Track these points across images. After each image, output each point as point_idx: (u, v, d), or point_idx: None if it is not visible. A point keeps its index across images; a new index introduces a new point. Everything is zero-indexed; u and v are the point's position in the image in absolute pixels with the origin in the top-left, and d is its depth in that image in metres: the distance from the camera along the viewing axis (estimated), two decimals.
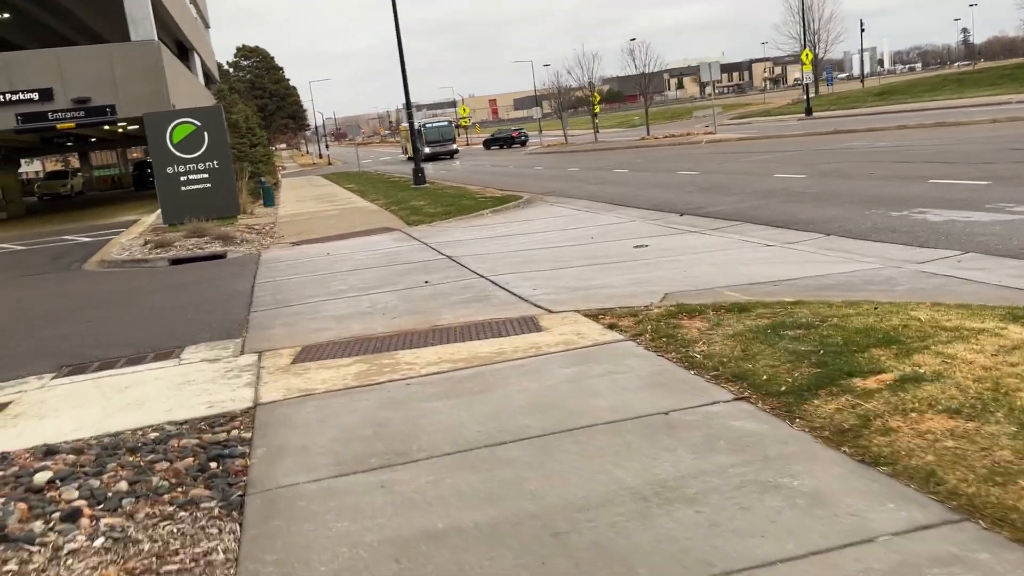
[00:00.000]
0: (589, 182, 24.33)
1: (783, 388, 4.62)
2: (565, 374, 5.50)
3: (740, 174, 20.80)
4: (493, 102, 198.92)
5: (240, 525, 3.78)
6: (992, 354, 4.63)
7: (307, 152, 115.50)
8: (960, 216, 10.78)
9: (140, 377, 6.78)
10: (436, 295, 9.06)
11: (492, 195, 22.09)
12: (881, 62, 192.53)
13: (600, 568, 3.06)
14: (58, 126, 24.85)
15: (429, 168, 35.51)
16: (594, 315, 7.09)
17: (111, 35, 29.28)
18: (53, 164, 75.07)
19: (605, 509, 3.50)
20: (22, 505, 4.21)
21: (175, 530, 3.82)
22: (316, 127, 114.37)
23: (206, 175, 19.44)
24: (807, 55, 55.80)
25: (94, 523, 3.98)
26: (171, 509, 4.05)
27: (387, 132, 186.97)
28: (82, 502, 4.22)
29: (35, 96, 23.60)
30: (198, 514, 3.97)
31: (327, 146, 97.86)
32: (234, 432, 5.13)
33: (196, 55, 39.05)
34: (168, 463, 4.69)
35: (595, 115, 58.57)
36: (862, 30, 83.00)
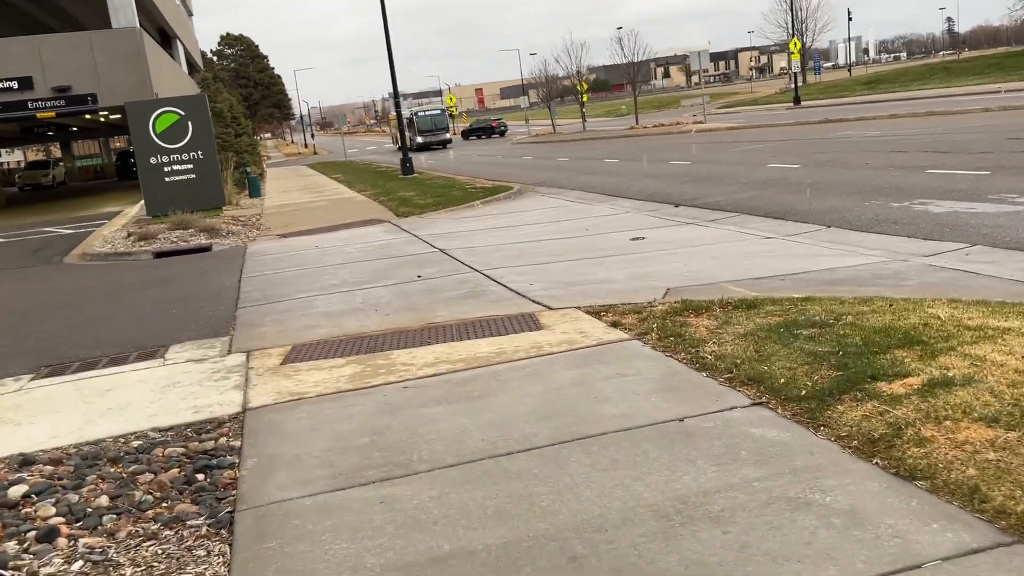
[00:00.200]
0: (580, 172, 24.06)
1: (803, 392, 4.38)
2: (570, 377, 5.24)
3: (733, 164, 20.58)
4: (479, 91, 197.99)
5: (230, 546, 3.51)
6: (1023, 356, 4.41)
7: (292, 142, 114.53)
8: (963, 207, 10.58)
9: (123, 379, 6.48)
10: (430, 290, 8.78)
11: (482, 186, 21.80)
12: (866, 51, 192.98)
13: None
14: (38, 115, 24.29)
15: (416, 158, 35.12)
16: (596, 312, 6.83)
17: (92, 22, 28.70)
18: (35, 154, 74.06)
19: (625, 529, 3.25)
20: None
21: (159, 552, 3.55)
22: (301, 116, 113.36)
23: (190, 165, 19.05)
24: (795, 44, 55.64)
25: (72, 543, 3.70)
26: (155, 527, 3.78)
27: (373, 121, 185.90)
28: (59, 519, 3.94)
29: (14, 85, 23.04)
30: (184, 533, 3.69)
31: (312, 135, 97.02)
32: (222, 440, 4.85)
33: (179, 43, 38.42)
34: (152, 475, 4.41)
35: (583, 104, 58.20)
36: (849, 19, 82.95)
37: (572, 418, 4.51)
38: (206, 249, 14.90)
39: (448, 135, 59.06)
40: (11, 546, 3.71)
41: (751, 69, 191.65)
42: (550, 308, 7.26)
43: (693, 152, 26.15)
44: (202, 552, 3.51)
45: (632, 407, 4.58)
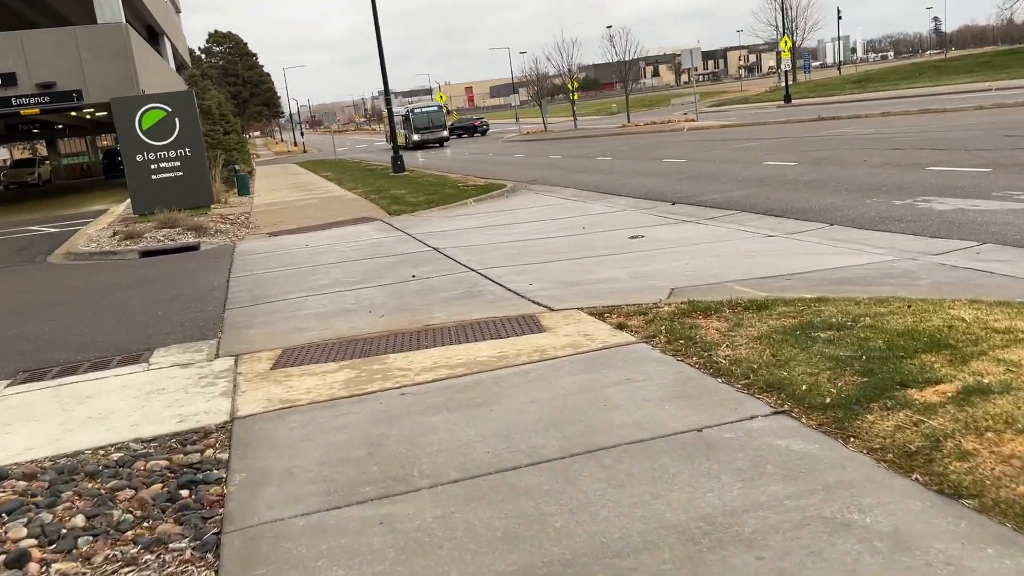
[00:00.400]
0: (573, 170, 23.80)
1: (828, 400, 4.12)
2: (577, 382, 4.97)
3: (728, 162, 20.36)
4: (469, 89, 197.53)
5: (216, 573, 3.23)
6: None
7: (282, 140, 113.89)
8: (968, 205, 10.37)
9: (104, 385, 6.17)
10: (425, 290, 8.50)
11: (474, 183, 21.51)
12: (854, 50, 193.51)
13: None
14: (22, 112, 23.86)
15: (410, 156, 34.78)
16: (600, 313, 6.57)
17: (77, 17, 28.20)
18: (20, 152, 73.21)
19: (648, 554, 2.98)
20: None
21: None
22: (291, 114, 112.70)
23: (178, 163, 18.66)
24: (786, 42, 55.51)
25: (44, 569, 3.41)
26: (135, 551, 3.48)
27: (363, 120, 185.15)
28: (31, 542, 3.64)
29: None
30: (166, 557, 3.40)
31: (302, 134, 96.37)
32: (209, 452, 4.55)
33: (167, 40, 37.95)
34: (132, 491, 4.12)
35: (573, 102, 57.91)
36: (839, 17, 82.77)
37: (581, 428, 4.24)
38: (194, 248, 14.57)
39: (445, 133, 57.45)
40: None
41: (740, 68, 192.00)
42: (551, 309, 6.99)
43: (686, 150, 25.92)
44: None
45: (645, 416, 4.31)
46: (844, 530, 2.99)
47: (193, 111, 19.08)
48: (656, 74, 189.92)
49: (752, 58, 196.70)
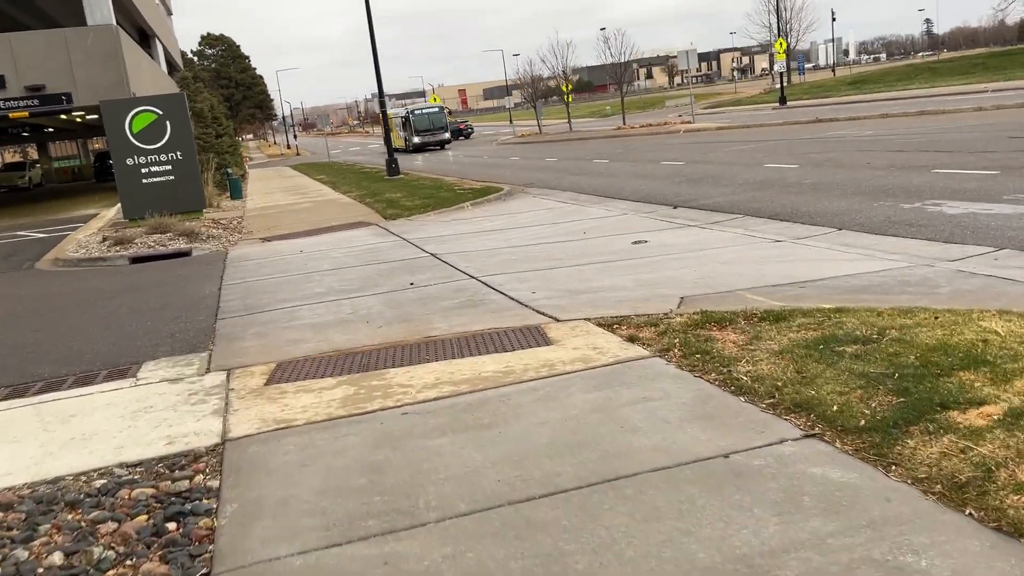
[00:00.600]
0: (570, 173, 23.53)
1: (862, 423, 3.85)
2: (590, 401, 4.69)
3: (728, 164, 20.11)
4: (462, 92, 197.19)
5: None
6: None
7: (274, 142, 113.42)
8: (980, 208, 10.13)
9: (89, 402, 5.86)
10: (424, 299, 8.21)
11: (471, 187, 21.23)
12: (847, 52, 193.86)
13: None
14: (11, 115, 23.46)
15: (403, 159, 34.46)
16: (608, 325, 6.29)
17: (66, 19, 27.84)
18: (11, 155, 72.62)
19: None
20: None
21: None
22: (284, 117, 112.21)
23: (169, 167, 18.31)
24: (781, 44, 55.38)
25: None
26: None
27: (356, 122, 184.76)
28: None
29: None
30: None
31: (295, 136, 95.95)
32: (198, 479, 4.25)
33: (158, 42, 37.57)
34: (116, 523, 3.82)
35: (568, 104, 57.67)
36: (833, 19, 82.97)
37: (598, 453, 3.96)
38: (185, 254, 14.25)
39: (447, 135, 55.30)
40: None
41: (733, 70, 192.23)
42: (557, 320, 6.70)
43: (684, 152, 25.69)
44: None
45: (666, 439, 4.03)
46: (899, 575, 2.71)
47: (185, 114, 18.75)
48: (649, 76, 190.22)
49: (745, 60, 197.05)
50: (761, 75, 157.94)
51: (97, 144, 61.37)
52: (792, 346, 5.08)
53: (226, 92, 77.08)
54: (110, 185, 23.43)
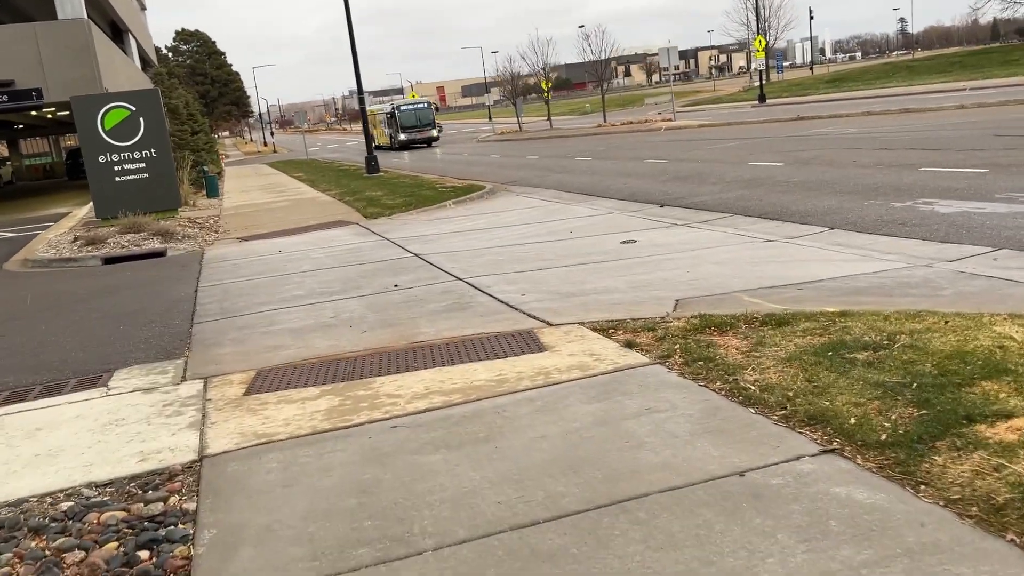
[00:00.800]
0: (552, 171, 23.29)
1: (884, 437, 3.63)
2: (591, 413, 4.44)
3: (712, 162, 19.96)
4: (441, 89, 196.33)
5: None
6: None
7: (251, 140, 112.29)
8: (973, 207, 9.99)
9: (57, 414, 5.53)
10: (409, 302, 7.93)
11: (452, 184, 20.93)
12: (823, 51, 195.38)
13: None
14: None
15: (383, 157, 34.05)
16: (604, 329, 6.04)
17: (36, 13, 27.19)
18: None
19: None
20: None
21: None
22: (260, 114, 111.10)
23: (143, 164, 17.86)
24: (760, 42, 55.49)
25: None
26: None
27: (333, 119, 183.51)
28: None
29: None
30: None
31: (272, 134, 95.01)
32: (173, 500, 3.96)
33: (131, 37, 36.88)
34: (83, 552, 3.52)
35: (547, 101, 57.41)
36: (811, 18, 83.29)
37: (604, 471, 3.71)
38: (160, 254, 13.85)
39: (434, 131, 52.48)
40: None
41: (711, 68, 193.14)
42: (549, 324, 6.45)
43: (667, 150, 25.53)
44: None
45: (675, 455, 3.79)
46: None
47: (159, 110, 18.29)
48: (628, 74, 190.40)
49: (723, 58, 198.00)
50: (738, 73, 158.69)
51: (70, 141, 60.28)
52: (800, 353, 4.86)
53: (201, 89, 76.09)
54: (82, 183, 22.90)
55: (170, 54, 77.81)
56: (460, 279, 8.73)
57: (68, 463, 4.59)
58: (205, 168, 27.79)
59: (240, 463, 4.29)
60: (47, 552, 3.57)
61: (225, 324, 7.82)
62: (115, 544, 3.57)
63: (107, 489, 4.19)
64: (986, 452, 3.34)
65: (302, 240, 13.75)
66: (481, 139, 52.61)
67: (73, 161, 45.90)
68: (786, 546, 2.94)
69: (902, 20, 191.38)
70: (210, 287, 10.00)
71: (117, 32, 34.68)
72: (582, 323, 6.31)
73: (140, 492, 4.11)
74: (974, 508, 3.01)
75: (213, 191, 25.31)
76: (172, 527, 3.66)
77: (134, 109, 17.71)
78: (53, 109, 27.13)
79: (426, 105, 53.49)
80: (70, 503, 4.04)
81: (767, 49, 69.37)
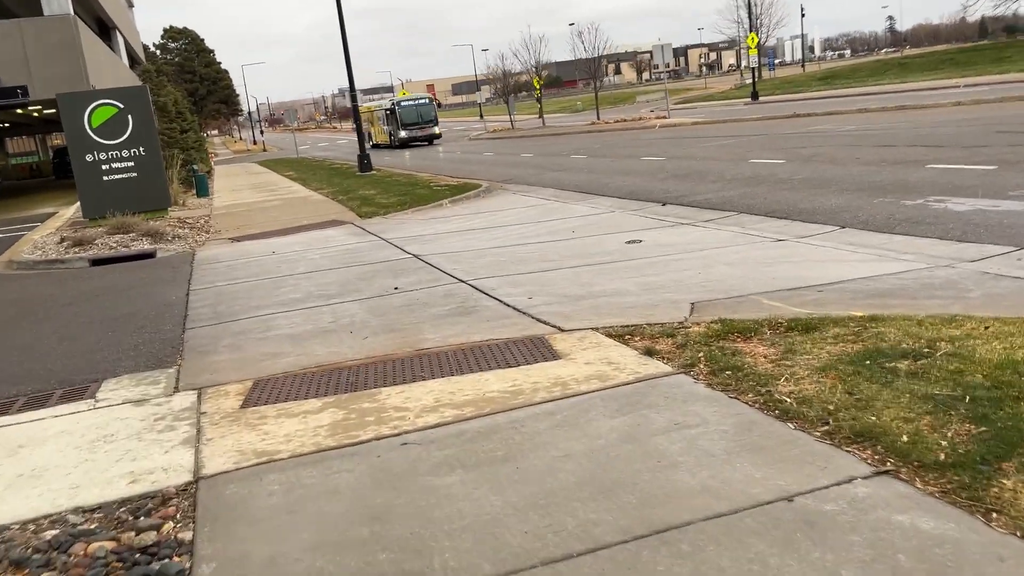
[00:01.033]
0: (548, 169, 22.99)
1: (942, 458, 3.34)
2: (616, 428, 4.14)
3: (711, 159, 19.70)
4: (431, 87, 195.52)
5: None
6: None
7: (241, 138, 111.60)
8: (988, 205, 9.74)
9: (41, 429, 5.19)
10: (411, 305, 7.61)
11: (447, 183, 20.60)
12: (812, 48, 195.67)
13: None
14: None
15: (375, 155, 33.67)
16: (620, 335, 5.74)
17: (21, 9, 26.71)
18: None
19: None
20: None
21: None
22: (250, 112, 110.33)
23: (131, 163, 17.46)
24: (753, 39, 55.30)
25: None
26: None
27: (323, 118, 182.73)
28: None
29: None
30: None
31: (262, 132, 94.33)
32: (167, 528, 3.64)
33: (119, 34, 36.37)
34: None
35: (540, 99, 57.10)
36: (803, 15, 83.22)
37: (638, 496, 3.41)
38: (149, 255, 13.47)
39: (436, 128, 50.39)
40: None
41: (701, 66, 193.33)
42: (561, 329, 6.15)
43: (663, 147, 25.27)
44: None
45: (714, 477, 3.49)
46: None
47: (147, 108, 17.89)
48: (618, 72, 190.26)
49: (713, 56, 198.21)
50: (728, 71, 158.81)
51: (56, 140, 59.59)
52: (835, 361, 4.58)
53: (190, 87, 75.36)
54: (70, 182, 22.48)
55: (158, 52, 77.11)
56: (463, 281, 8.42)
57: (53, 485, 4.26)
58: (195, 167, 27.37)
59: (239, 485, 3.97)
60: None
61: (219, 329, 7.49)
62: None
63: (95, 515, 3.87)
64: None
65: (296, 240, 13.40)
66: (473, 137, 52.26)
67: (60, 160, 45.31)
68: None
69: (890, 18, 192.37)
70: (202, 290, 9.66)
71: (104, 29, 34.18)
72: (596, 328, 6.01)
73: (131, 519, 3.79)
74: None
75: (203, 190, 24.90)
76: (167, 560, 3.34)
77: (122, 107, 17.31)
78: (39, 107, 26.67)
79: (428, 101, 51.60)
80: (55, 531, 3.72)
81: (759, 46, 69.27)
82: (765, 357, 4.89)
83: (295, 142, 58.52)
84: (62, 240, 15.06)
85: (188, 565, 3.28)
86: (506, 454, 3.98)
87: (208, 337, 7.24)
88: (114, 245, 14.22)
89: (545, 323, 6.39)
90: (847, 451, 3.58)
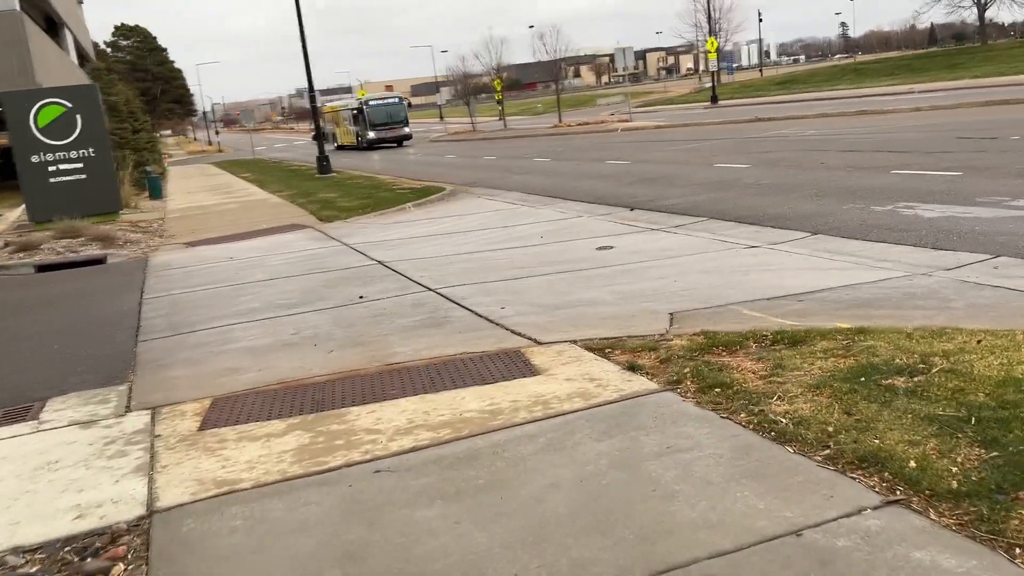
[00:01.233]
0: (513, 172, 22.75)
1: (955, 485, 3.15)
2: (604, 453, 3.89)
3: (676, 163, 19.64)
4: (390, 87, 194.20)
5: None
6: None
7: (195, 139, 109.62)
8: (958, 212, 9.71)
9: None
10: (378, 316, 7.30)
11: (410, 186, 20.28)
12: (767, 53, 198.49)
13: None
14: None
15: (335, 158, 33.14)
16: (599, 348, 5.51)
17: None
18: None
19: None
20: None
21: None
22: (204, 112, 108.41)
23: (80, 164, 16.85)
24: (712, 43, 55.72)
25: None
26: None
27: (280, 118, 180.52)
28: None
29: None
30: None
31: (217, 133, 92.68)
32: (117, 571, 3.31)
33: (68, 31, 35.31)
34: None
35: (500, 101, 56.86)
36: (760, 20, 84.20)
37: (634, 530, 3.16)
38: (100, 261, 12.94)
39: (407, 129, 48.78)
40: None
41: (659, 69, 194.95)
42: (538, 342, 5.89)
43: (628, 151, 25.19)
44: None
45: (714, 508, 3.26)
46: None
47: (97, 107, 17.29)
48: (577, 75, 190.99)
49: (671, 60, 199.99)
50: (686, 75, 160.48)
51: (2, 139, 57.88)
52: (828, 378, 4.39)
53: (143, 86, 73.65)
54: (15, 184, 21.71)
55: (109, 50, 75.30)
56: (431, 290, 8.13)
57: None
58: (148, 168, 26.63)
59: (198, 520, 3.64)
60: None
61: (174, 342, 7.10)
62: None
63: (37, 556, 3.52)
64: None
65: (254, 245, 12.97)
66: (433, 139, 51.85)
67: (6, 161, 43.90)
68: None
69: (843, 24, 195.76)
70: (156, 299, 9.22)
71: (52, 25, 33.13)
72: (574, 341, 5.77)
73: (76, 560, 3.45)
74: None
75: (157, 192, 24.23)
76: None
77: (70, 106, 16.69)
78: None
79: (398, 101, 50.10)
80: None
81: (718, 51, 69.91)
82: (754, 373, 4.69)
83: (251, 143, 57.53)
84: (6, 245, 14.41)
85: None
86: (489, 482, 3.71)
87: (163, 350, 6.85)
88: (61, 250, 13.64)
89: (521, 335, 6.13)
90: (852, 478, 3.38)
